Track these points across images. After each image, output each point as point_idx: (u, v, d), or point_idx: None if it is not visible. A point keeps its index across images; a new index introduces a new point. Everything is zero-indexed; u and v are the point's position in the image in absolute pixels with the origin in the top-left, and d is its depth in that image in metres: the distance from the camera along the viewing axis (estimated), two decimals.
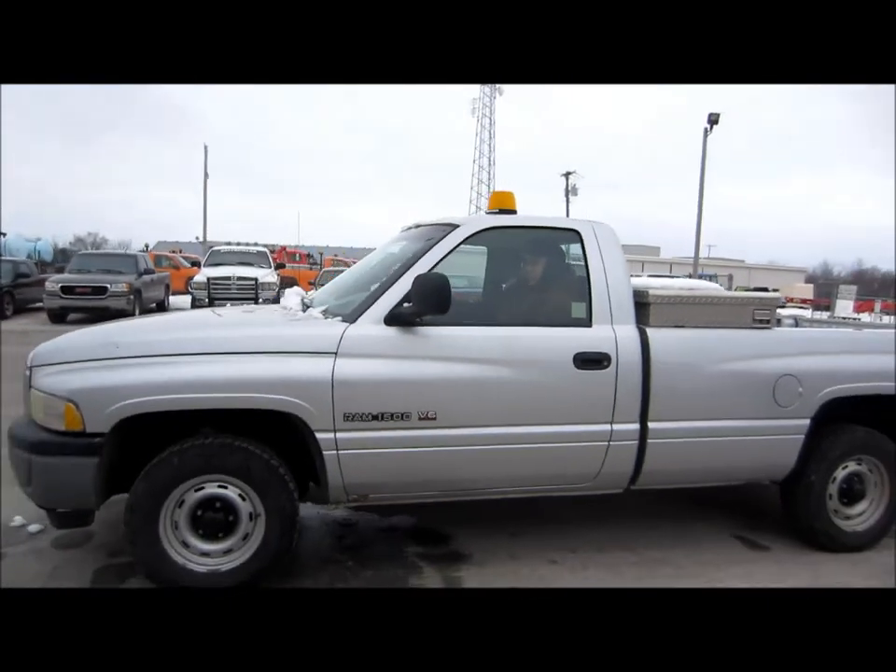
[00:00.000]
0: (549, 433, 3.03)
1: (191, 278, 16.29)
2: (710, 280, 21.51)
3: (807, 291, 32.65)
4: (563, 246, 3.47)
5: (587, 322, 3.14)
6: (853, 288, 24.29)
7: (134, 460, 2.81)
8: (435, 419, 2.88)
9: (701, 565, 3.30)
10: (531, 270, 3.46)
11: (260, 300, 14.65)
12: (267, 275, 15.52)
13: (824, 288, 32.56)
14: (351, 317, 2.92)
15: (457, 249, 3.08)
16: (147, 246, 30.64)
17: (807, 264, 67.66)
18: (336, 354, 2.79)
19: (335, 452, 2.79)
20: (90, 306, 13.52)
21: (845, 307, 21.93)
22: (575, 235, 3.26)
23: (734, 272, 34.27)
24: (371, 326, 2.88)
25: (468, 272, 4.02)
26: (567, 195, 37.40)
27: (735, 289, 21.38)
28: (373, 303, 2.93)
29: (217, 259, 16.47)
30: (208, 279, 14.88)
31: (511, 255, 3.61)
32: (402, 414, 2.84)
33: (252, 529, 2.80)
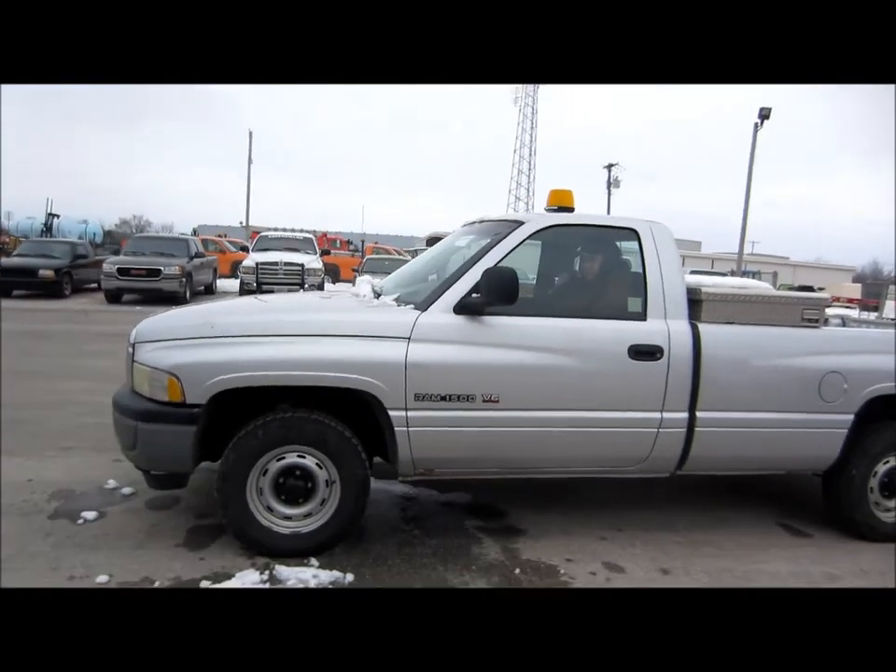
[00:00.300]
0: (603, 418, 3.23)
1: (238, 262, 16.66)
2: (753, 277, 21.18)
3: (855, 291, 31.76)
4: (619, 244, 3.65)
5: (642, 316, 3.33)
6: None
7: (217, 431, 3.08)
8: (498, 402, 3.10)
9: (744, 547, 3.47)
10: (590, 265, 3.66)
11: (306, 285, 15.04)
12: (313, 261, 15.88)
13: (873, 288, 31.60)
14: (423, 305, 3.15)
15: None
16: (195, 231, 31.17)
17: (856, 263, 65.73)
18: (409, 339, 3.03)
19: (406, 428, 3.04)
20: (144, 287, 14.05)
21: (893, 308, 21.33)
22: (633, 234, 3.44)
23: (778, 269, 33.52)
24: (441, 314, 3.11)
25: (513, 264, 4.19)
26: (608, 187, 37.11)
27: (779, 287, 20.97)
28: (444, 293, 3.16)
29: (265, 244, 16.85)
30: (257, 264, 15.30)
31: (569, 250, 3.80)
32: (468, 396, 3.08)
33: (329, 495, 3.08)
